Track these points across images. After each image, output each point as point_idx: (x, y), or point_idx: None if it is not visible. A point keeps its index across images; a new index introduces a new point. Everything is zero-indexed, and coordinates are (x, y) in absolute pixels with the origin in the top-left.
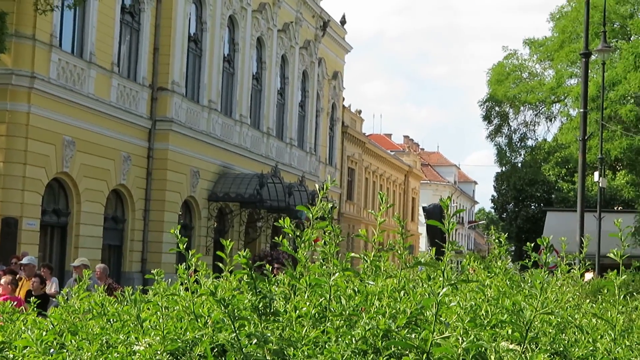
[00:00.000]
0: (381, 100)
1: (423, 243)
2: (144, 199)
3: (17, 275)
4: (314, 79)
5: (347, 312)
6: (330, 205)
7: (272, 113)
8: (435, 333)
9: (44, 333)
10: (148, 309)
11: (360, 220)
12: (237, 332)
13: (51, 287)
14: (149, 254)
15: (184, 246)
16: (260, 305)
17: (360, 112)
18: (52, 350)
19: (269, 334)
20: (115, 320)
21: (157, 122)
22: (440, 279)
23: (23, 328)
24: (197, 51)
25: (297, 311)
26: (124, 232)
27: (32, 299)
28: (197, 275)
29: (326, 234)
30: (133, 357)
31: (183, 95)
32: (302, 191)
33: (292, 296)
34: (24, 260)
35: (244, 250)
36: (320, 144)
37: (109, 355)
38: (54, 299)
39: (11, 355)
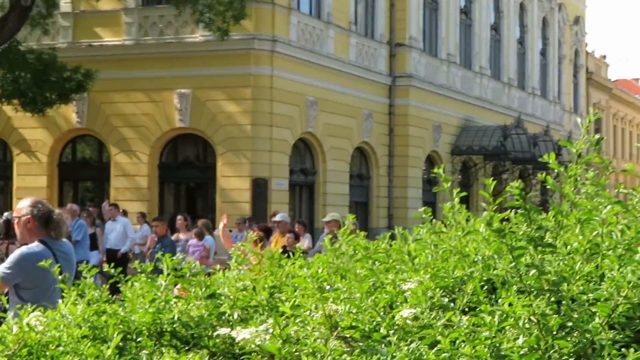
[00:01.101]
0: (627, 43)
1: None
2: (387, 155)
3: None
4: (554, 25)
5: (621, 247)
6: (597, 136)
7: (512, 63)
8: None
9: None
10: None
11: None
12: (516, 262)
13: (304, 242)
14: (395, 209)
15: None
16: (536, 236)
17: (604, 57)
18: (327, 287)
19: (547, 265)
20: (380, 262)
21: (396, 79)
22: None
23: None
24: (433, 4)
25: (568, 247)
26: (369, 189)
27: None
28: (441, 226)
29: (589, 171)
30: (403, 295)
31: (421, 50)
32: (548, 141)
33: (560, 232)
34: (277, 218)
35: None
36: (564, 92)
37: (379, 295)
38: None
39: (284, 297)
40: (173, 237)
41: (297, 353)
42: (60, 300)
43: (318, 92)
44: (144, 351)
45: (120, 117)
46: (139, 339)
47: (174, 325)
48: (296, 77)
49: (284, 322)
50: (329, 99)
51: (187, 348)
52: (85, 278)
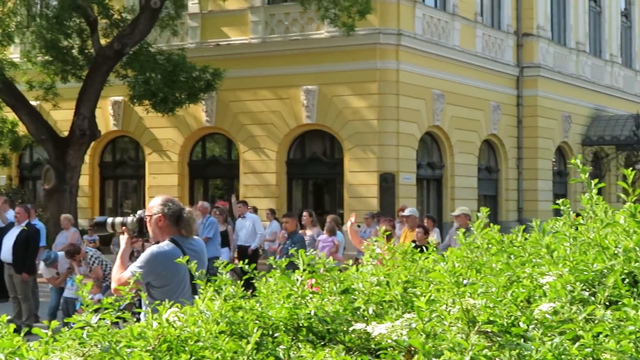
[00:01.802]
0: None
1: None
2: (515, 147)
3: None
4: None
5: None
6: None
7: None
8: None
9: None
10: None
11: None
12: None
13: (433, 237)
14: (525, 202)
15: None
16: None
17: None
18: (465, 281)
19: None
20: (515, 256)
21: (524, 69)
22: None
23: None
24: None
25: None
26: (497, 182)
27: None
28: (579, 218)
29: None
30: (541, 289)
31: (549, 39)
32: None
33: None
34: (406, 212)
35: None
36: None
37: (516, 289)
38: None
39: (418, 292)
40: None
41: (438, 348)
42: (197, 297)
43: (444, 85)
44: (280, 346)
45: (248, 114)
46: (275, 335)
47: (311, 321)
48: (422, 70)
49: (426, 317)
50: (456, 91)
51: (323, 343)
52: (221, 274)
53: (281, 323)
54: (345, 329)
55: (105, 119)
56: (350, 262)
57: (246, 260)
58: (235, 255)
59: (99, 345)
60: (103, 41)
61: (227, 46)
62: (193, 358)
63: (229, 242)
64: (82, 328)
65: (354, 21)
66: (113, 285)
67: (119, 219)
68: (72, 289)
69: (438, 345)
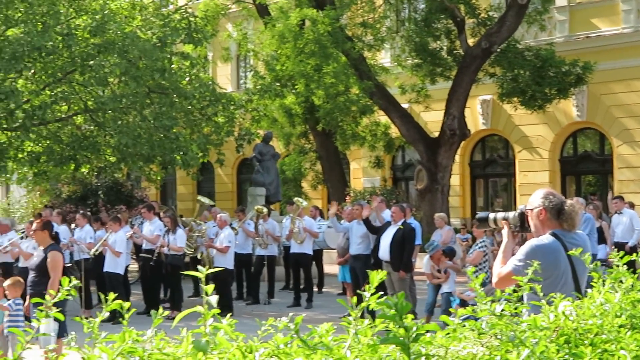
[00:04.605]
0: None
1: None
2: None
3: None
4: None
5: None
6: None
7: None
8: None
9: None
10: None
11: None
12: None
13: None
14: None
15: None
16: None
17: None
18: None
19: None
20: None
21: None
22: None
23: None
24: None
25: None
26: None
27: None
28: None
29: None
30: None
31: None
32: None
33: None
34: None
35: None
36: None
37: None
38: None
39: None
40: None
41: None
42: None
43: None
44: None
45: (621, 107)
46: None
47: None
48: None
49: None
50: None
51: None
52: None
53: None
54: None
55: (474, 118)
56: None
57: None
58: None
59: (500, 336)
60: (471, 41)
61: (597, 38)
62: (595, 350)
63: (604, 239)
64: (474, 319)
65: None
66: (494, 280)
67: (500, 214)
68: (449, 285)
69: None
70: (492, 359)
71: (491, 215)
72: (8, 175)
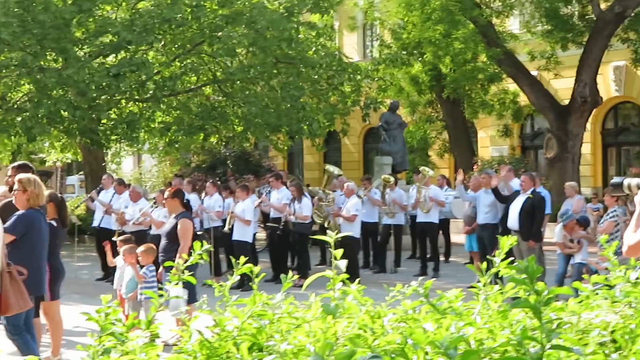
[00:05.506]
0: None
1: None
2: None
3: None
4: None
5: None
6: None
7: None
8: None
9: None
10: None
11: None
12: None
13: None
14: None
15: None
16: None
17: None
18: None
19: None
20: None
21: None
22: None
23: None
24: None
25: None
26: None
27: None
28: None
29: None
30: None
31: None
32: None
33: None
34: None
35: None
36: None
37: None
38: None
39: None
40: None
41: None
42: None
43: None
44: None
45: None
46: None
47: None
48: None
49: None
50: None
51: None
52: None
53: None
54: None
55: (606, 84)
56: None
57: None
58: None
59: (635, 304)
60: (603, 5)
61: None
62: None
63: None
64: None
65: None
66: (624, 249)
67: (635, 180)
68: (582, 255)
69: None
70: (626, 327)
71: (626, 181)
72: (140, 146)
